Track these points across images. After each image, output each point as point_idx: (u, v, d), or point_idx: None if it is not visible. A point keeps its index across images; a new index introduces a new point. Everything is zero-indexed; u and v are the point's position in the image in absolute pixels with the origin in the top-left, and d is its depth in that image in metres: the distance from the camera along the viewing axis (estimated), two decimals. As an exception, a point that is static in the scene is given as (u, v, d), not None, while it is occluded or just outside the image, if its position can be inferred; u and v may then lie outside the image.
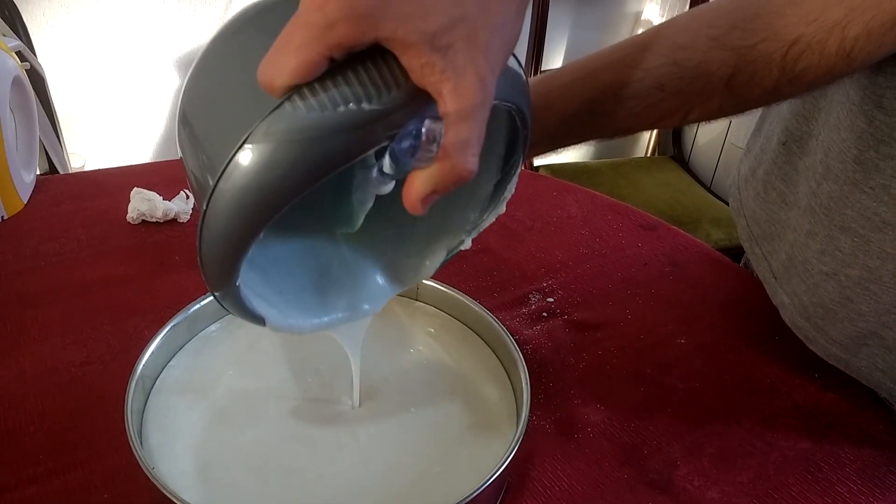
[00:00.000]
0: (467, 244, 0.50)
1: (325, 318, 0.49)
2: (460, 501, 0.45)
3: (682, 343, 0.71)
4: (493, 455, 0.49)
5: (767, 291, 0.70)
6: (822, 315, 0.61)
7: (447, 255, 0.51)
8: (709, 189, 2.02)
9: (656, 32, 0.50)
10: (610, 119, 0.51)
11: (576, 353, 0.69)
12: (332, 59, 0.32)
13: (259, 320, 0.43)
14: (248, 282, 0.41)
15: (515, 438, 0.50)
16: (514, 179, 0.47)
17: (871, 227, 0.54)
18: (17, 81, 0.83)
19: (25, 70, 0.87)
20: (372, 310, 0.51)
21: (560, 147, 0.55)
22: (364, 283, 0.51)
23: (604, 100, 0.50)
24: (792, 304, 0.65)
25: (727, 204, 1.95)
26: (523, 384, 0.54)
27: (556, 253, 0.85)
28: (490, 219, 0.50)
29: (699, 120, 0.51)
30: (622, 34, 2.45)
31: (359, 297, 0.50)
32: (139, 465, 0.45)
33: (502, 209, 0.49)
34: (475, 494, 0.45)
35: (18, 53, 0.89)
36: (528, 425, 0.51)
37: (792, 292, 0.65)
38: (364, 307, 0.50)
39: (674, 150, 2.25)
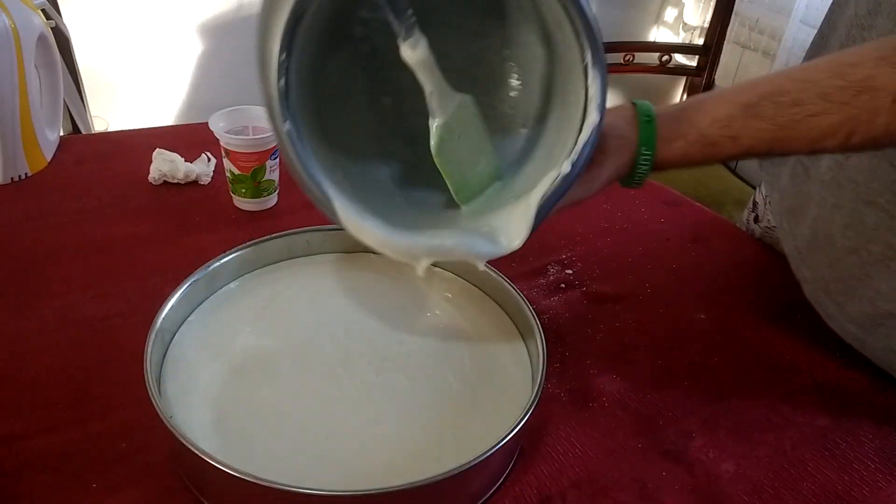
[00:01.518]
0: (566, 168, 0.47)
1: (404, 241, 0.47)
2: (471, 462, 0.45)
3: (701, 318, 0.70)
4: (507, 420, 0.49)
5: (791, 266, 0.69)
6: (843, 291, 0.61)
7: (552, 189, 0.48)
8: (733, 171, 1.99)
9: (823, 57, 0.49)
10: (767, 123, 0.48)
11: (593, 324, 0.68)
12: None
13: (319, 191, 0.45)
14: (336, 180, 0.45)
15: (530, 403, 0.49)
16: (599, 80, 0.45)
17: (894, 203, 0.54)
18: (42, 39, 0.83)
19: (51, 28, 0.87)
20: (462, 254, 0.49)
21: (711, 152, 0.51)
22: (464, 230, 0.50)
23: (762, 104, 0.49)
24: (814, 279, 0.65)
25: (752, 186, 1.92)
26: (539, 350, 0.54)
27: (577, 226, 0.84)
28: (585, 134, 0.46)
29: (863, 145, 0.47)
30: (650, 12, 2.41)
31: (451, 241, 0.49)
32: (157, 414, 0.46)
33: (595, 117, 0.46)
34: (486, 456, 0.45)
35: (43, 11, 0.89)
36: (542, 393, 0.51)
37: (815, 267, 0.64)
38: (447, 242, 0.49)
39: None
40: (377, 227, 0.46)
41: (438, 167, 0.51)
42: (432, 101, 0.49)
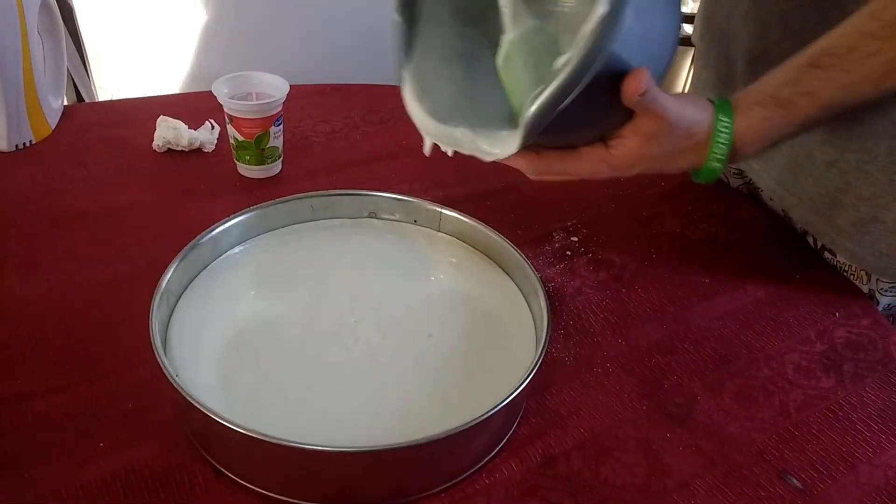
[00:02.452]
0: (559, 63, 0.44)
1: (434, 126, 0.52)
2: (475, 420, 0.45)
3: (706, 282, 0.70)
4: (511, 381, 0.49)
5: (775, 199, 0.76)
6: (829, 205, 0.66)
7: (547, 92, 0.45)
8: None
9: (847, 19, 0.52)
10: (834, 71, 0.51)
11: (598, 290, 0.68)
12: None
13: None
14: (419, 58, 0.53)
15: (534, 363, 0.49)
16: None
17: (863, 109, 0.57)
18: (45, 5, 0.82)
19: (53, -5, 0.86)
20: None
21: (790, 114, 0.53)
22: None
23: (822, 59, 0.52)
24: (801, 203, 0.69)
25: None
26: (543, 311, 0.54)
27: (582, 193, 0.83)
28: (587, 26, 0.43)
29: None
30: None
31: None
32: (163, 373, 0.46)
33: (602, 9, 0.42)
34: (490, 414, 0.46)
35: (46, -22, 0.88)
36: (547, 357, 0.51)
37: (800, 190, 0.69)
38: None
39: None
40: (423, 112, 0.53)
41: (502, 83, 0.52)
42: (504, 15, 0.50)
